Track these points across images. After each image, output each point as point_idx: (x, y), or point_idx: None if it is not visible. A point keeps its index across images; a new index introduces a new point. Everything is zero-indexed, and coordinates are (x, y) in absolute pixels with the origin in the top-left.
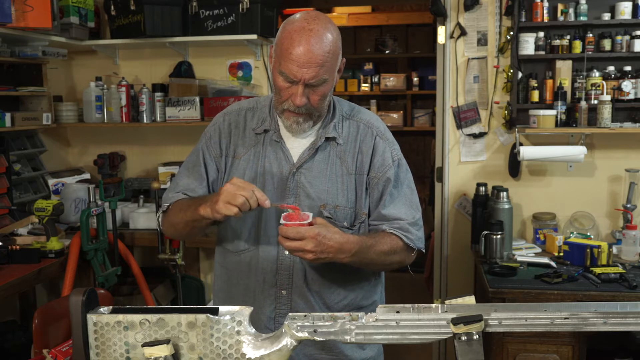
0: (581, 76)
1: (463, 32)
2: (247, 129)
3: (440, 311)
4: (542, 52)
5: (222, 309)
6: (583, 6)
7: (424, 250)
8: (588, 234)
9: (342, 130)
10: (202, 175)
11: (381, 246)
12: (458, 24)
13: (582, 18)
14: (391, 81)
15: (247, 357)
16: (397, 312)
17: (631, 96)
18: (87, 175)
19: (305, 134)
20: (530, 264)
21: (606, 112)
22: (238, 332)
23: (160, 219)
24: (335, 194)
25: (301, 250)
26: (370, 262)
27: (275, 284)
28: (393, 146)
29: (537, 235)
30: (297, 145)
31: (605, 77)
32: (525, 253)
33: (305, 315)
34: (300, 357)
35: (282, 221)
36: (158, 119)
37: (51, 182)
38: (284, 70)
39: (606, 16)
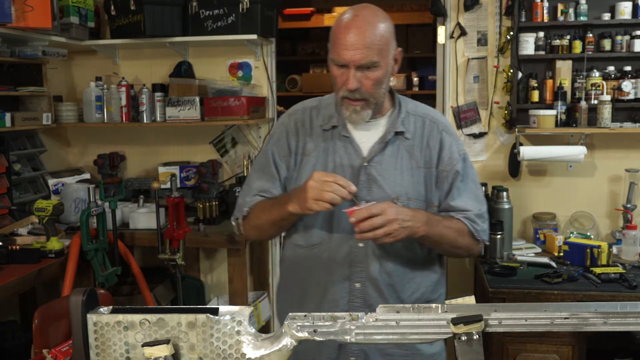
0: (581, 76)
1: (463, 32)
2: (313, 126)
3: (440, 311)
4: (542, 52)
5: (222, 309)
6: (583, 6)
7: (487, 243)
8: (588, 234)
9: (409, 125)
10: (274, 175)
11: (449, 223)
12: (458, 24)
13: (582, 18)
14: (391, 81)
15: (247, 357)
16: (397, 312)
17: (631, 96)
18: (87, 175)
19: (371, 127)
20: (530, 264)
21: (606, 112)
22: (238, 332)
23: (239, 224)
24: (406, 187)
25: (384, 224)
26: (441, 238)
27: (349, 278)
28: (458, 141)
29: (537, 235)
30: (365, 140)
31: (605, 77)
32: (525, 253)
33: (305, 315)
34: (373, 353)
35: (348, 212)
36: (158, 119)
37: (51, 182)
38: (334, 57)
39: (606, 16)
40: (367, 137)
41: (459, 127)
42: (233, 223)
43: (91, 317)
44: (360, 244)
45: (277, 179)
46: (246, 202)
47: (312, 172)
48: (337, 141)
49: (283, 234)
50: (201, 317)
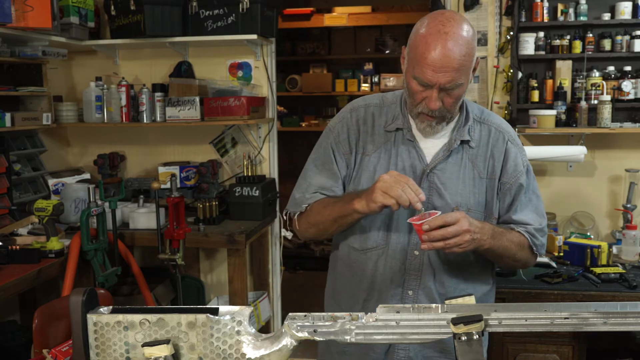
0: (581, 76)
1: None
2: (375, 125)
3: (440, 311)
4: (542, 52)
5: (222, 309)
6: (583, 6)
7: (542, 256)
8: (588, 234)
9: (475, 133)
10: (336, 172)
11: (512, 236)
12: None
13: (582, 18)
14: (391, 81)
15: (247, 357)
16: (397, 312)
17: (631, 96)
18: (87, 175)
19: (439, 135)
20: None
21: (606, 112)
22: (238, 332)
23: (293, 219)
24: (467, 197)
25: (457, 234)
26: (504, 251)
27: (402, 284)
28: (522, 152)
29: None
30: (430, 146)
31: (605, 77)
32: None
33: (305, 315)
34: (418, 358)
35: (414, 221)
36: (158, 119)
37: (51, 182)
38: (418, 75)
39: (606, 16)
40: (431, 143)
41: None
42: (284, 217)
43: (91, 317)
44: (416, 252)
45: (339, 176)
46: (305, 198)
47: (389, 171)
48: (400, 144)
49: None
50: (201, 317)
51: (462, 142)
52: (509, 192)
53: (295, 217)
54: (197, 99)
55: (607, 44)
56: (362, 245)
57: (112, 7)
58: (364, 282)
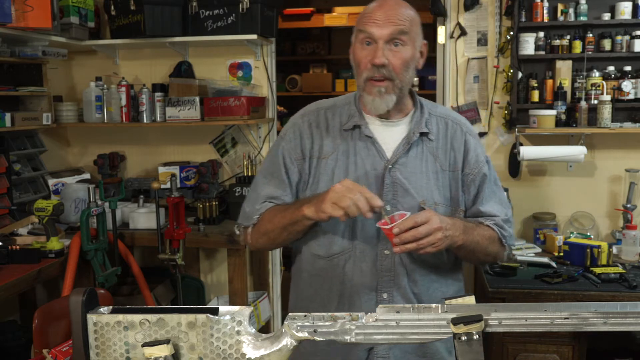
0: (581, 76)
1: (463, 32)
2: (330, 127)
3: (440, 311)
4: (542, 52)
5: (222, 309)
6: (583, 6)
7: (514, 247)
8: (588, 234)
9: (432, 126)
10: (284, 181)
11: (482, 230)
12: (458, 24)
13: (582, 18)
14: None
15: (247, 357)
16: (397, 312)
17: (631, 96)
18: (87, 175)
19: (394, 127)
20: (530, 264)
21: (606, 112)
22: (238, 332)
23: (244, 233)
24: (432, 191)
25: (429, 233)
26: (476, 246)
27: (376, 288)
28: (480, 143)
29: (537, 235)
30: (389, 141)
31: (605, 77)
32: (525, 253)
33: (305, 315)
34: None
35: (383, 225)
36: (158, 119)
37: (51, 182)
38: (362, 28)
39: (606, 16)
40: (390, 137)
41: None
42: (237, 232)
43: (91, 317)
44: (386, 251)
45: (287, 184)
46: (255, 210)
47: (343, 179)
48: (359, 142)
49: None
50: (201, 317)
51: (421, 134)
52: (473, 183)
53: (249, 230)
54: (197, 99)
55: (607, 44)
56: (327, 252)
57: (112, 7)
58: (334, 291)
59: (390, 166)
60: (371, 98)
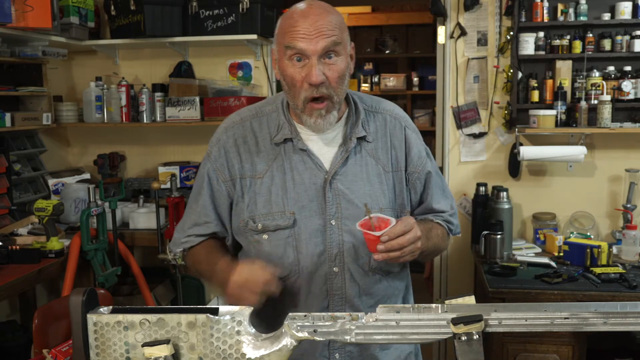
0: (581, 76)
1: (463, 32)
2: (258, 140)
3: (440, 311)
4: (542, 52)
5: (222, 309)
6: (583, 6)
7: (459, 235)
8: (588, 234)
9: (368, 126)
10: (207, 206)
11: (437, 230)
12: (458, 24)
13: (582, 18)
14: (391, 81)
15: (247, 357)
16: (397, 312)
17: (631, 96)
18: (87, 175)
19: (328, 133)
20: (530, 264)
21: (606, 112)
22: (238, 332)
23: (178, 256)
24: (377, 196)
25: (413, 242)
26: (435, 248)
27: (327, 308)
28: (419, 135)
29: (537, 235)
30: (325, 151)
31: (605, 77)
32: (525, 253)
33: (305, 315)
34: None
35: (367, 230)
36: (158, 119)
37: (51, 182)
38: (290, 44)
39: (606, 16)
40: (326, 147)
41: (459, 127)
42: (170, 256)
43: (91, 317)
44: (335, 269)
45: (212, 210)
46: (180, 242)
47: (281, 196)
48: (293, 155)
49: None
50: (201, 317)
51: (359, 139)
52: (418, 181)
53: (179, 255)
54: (197, 99)
55: (607, 44)
56: (279, 272)
57: (112, 7)
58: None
59: (330, 178)
60: (313, 120)
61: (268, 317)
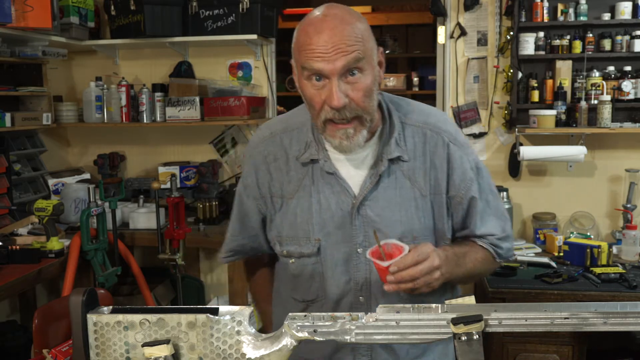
0: (581, 76)
1: (463, 32)
2: (289, 159)
3: (440, 311)
4: (542, 52)
5: (222, 309)
6: (583, 6)
7: (511, 258)
8: (588, 234)
9: (405, 142)
10: (248, 228)
11: (475, 255)
12: (458, 24)
13: (582, 18)
14: (391, 81)
15: (247, 357)
16: (397, 312)
17: (631, 96)
18: (87, 175)
19: (358, 154)
20: (530, 264)
21: (606, 112)
22: (238, 332)
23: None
24: (410, 223)
25: (429, 272)
26: (468, 274)
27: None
28: (467, 150)
29: (537, 235)
30: (354, 174)
31: (605, 77)
32: (525, 253)
33: (305, 315)
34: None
35: (376, 260)
36: (158, 119)
37: (51, 182)
38: (306, 65)
39: (606, 16)
40: (355, 169)
41: (459, 127)
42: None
43: (91, 317)
44: (361, 298)
45: (248, 228)
46: (224, 257)
47: (307, 220)
48: (320, 179)
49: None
50: (201, 317)
51: (392, 159)
52: (460, 206)
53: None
54: (197, 99)
55: (607, 44)
56: (302, 297)
57: (112, 7)
58: (315, 344)
59: (358, 204)
60: (337, 141)
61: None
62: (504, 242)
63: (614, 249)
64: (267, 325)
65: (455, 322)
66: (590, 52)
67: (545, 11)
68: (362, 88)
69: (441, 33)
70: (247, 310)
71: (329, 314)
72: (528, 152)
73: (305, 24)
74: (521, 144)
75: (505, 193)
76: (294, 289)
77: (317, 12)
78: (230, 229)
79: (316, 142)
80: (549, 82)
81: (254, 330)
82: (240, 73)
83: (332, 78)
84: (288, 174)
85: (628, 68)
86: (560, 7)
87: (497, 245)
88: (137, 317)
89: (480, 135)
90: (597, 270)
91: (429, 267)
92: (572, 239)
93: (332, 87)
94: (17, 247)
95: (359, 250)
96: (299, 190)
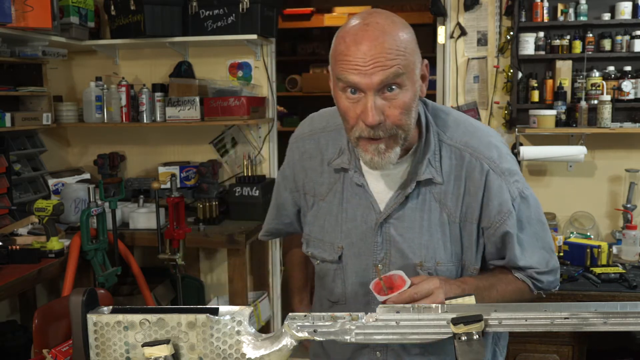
0: (581, 76)
1: (463, 32)
2: (324, 160)
3: (440, 311)
4: (542, 52)
5: (222, 309)
6: (583, 6)
7: (554, 291)
8: (588, 234)
9: (439, 163)
10: (283, 216)
11: (505, 286)
12: (458, 24)
13: (582, 18)
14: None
15: (247, 357)
16: (397, 312)
17: (631, 96)
18: (87, 175)
19: (390, 169)
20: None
21: (606, 112)
22: (238, 332)
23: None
24: (434, 249)
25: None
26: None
27: (369, 344)
28: (510, 179)
29: None
30: (383, 189)
31: (605, 77)
32: None
33: (305, 315)
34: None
35: (376, 293)
36: (158, 119)
37: (51, 182)
38: (341, 77)
39: (606, 16)
40: (385, 183)
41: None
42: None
43: (91, 317)
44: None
45: (289, 219)
46: (263, 235)
47: (333, 227)
48: (349, 187)
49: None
50: (201, 317)
51: (422, 180)
52: (492, 237)
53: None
54: (197, 99)
55: (607, 44)
56: (330, 297)
57: (112, 7)
58: (338, 345)
59: (382, 221)
60: (369, 157)
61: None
62: (545, 276)
63: (614, 249)
64: (292, 290)
65: (455, 322)
66: (590, 52)
67: (545, 11)
68: (399, 105)
69: (441, 33)
70: (247, 310)
71: (329, 314)
72: (528, 152)
73: (344, 32)
74: (521, 144)
75: (550, 234)
76: (321, 287)
77: (358, 19)
78: (269, 212)
79: (349, 150)
80: (549, 82)
81: (254, 330)
82: (240, 73)
83: (368, 93)
84: (321, 176)
85: (628, 68)
86: (560, 7)
87: (536, 279)
88: (137, 317)
89: None
90: (597, 270)
91: (431, 302)
92: (572, 239)
93: (368, 103)
94: (17, 247)
95: (379, 266)
96: (330, 194)
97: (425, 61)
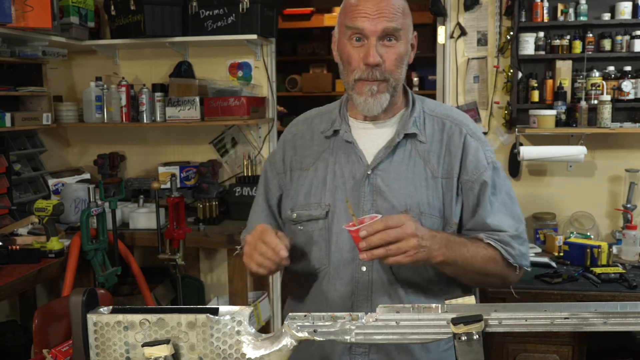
0: (581, 76)
1: (463, 32)
2: (315, 135)
3: (440, 311)
4: (542, 52)
5: (222, 309)
6: (583, 6)
7: (528, 268)
8: (588, 234)
9: (423, 126)
10: (265, 209)
11: (476, 248)
12: (458, 24)
13: (582, 18)
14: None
15: (247, 357)
16: (397, 312)
17: (631, 96)
18: (87, 175)
19: (378, 128)
20: (530, 264)
21: (606, 112)
22: (238, 332)
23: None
24: (418, 199)
25: (400, 239)
26: (466, 264)
27: (351, 308)
28: (486, 147)
29: (537, 235)
30: (371, 145)
31: (605, 77)
32: None
33: (305, 315)
34: None
35: (349, 228)
36: (158, 119)
37: (51, 182)
38: (351, 24)
39: (606, 16)
40: (373, 140)
41: None
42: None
43: (91, 317)
44: (364, 268)
45: (267, 207)
46: (242, 238)
47: (321, 189)
48: (339, 149)
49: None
50: (201, 317)
51: (409, 135)
52: (471, 191)
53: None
54: (197, 99)
55: (607, 44)
56: (305, 268)
57: (112, 7)
58: (314, 309)
59: (369, 172)
60: (363, 98)
61: (304, 308)
62: (516, 241)
63: (614, 249)
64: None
65: (455, 322)
66: (590, 52)
67: (545, 11)
68: (395, 52)
69: (441, 33)
70: (247, 310)
71: (329, 314)
72: (528, 152)
73: None
74: (521, 144)
75: (519, 207)
76: (300, 258)
77: None
78: (253, 207)
79: (341, 117)
80: (549, 82)
81: (254, 330)
82: (240, 73)
83: (371, 38)
84: (310, 148)
85: (628, 68)
86: (560, 7)
87: (507, 243)
88: (137, 317)
89: None
90: (597, 270)
91: (401, 232)
92: (572, 239)
93: (370, 46)
94: (17, 247)
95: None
96: (317, 162)
97: (416, 33)
